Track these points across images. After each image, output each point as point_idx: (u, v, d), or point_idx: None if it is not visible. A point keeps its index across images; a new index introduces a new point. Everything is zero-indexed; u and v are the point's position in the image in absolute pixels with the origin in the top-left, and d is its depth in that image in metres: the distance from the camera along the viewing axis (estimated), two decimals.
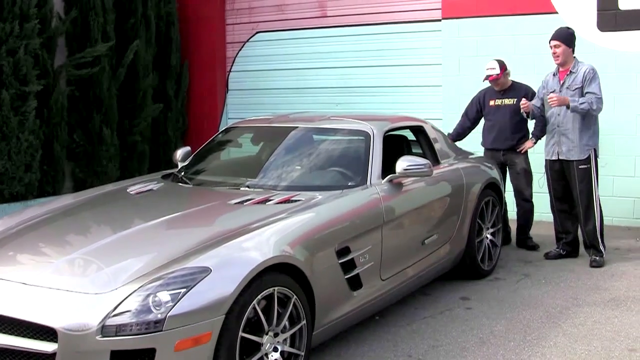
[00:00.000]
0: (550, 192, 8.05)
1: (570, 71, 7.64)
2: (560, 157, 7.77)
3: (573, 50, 7.71)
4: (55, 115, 10.01)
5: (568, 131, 7.65)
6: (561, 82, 7.70)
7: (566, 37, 7.68)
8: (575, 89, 7.56)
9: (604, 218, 7.89)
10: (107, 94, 10.68)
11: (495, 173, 7.83)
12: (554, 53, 7.72)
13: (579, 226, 7.98)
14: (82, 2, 10.48)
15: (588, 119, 7.58)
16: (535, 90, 8.38)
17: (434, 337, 5.74)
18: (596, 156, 7.70)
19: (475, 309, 6.44)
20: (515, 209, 8.67)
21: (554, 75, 7.82)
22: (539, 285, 7.13)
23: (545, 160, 7.97)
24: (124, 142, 11.24)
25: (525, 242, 8.61)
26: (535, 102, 7.96)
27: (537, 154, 8.71)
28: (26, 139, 9.27)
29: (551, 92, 7.67)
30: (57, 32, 10.21)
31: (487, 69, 8.46)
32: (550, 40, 7.74)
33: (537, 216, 9.10)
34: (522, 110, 8.00)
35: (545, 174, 8.07)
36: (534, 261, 8.00)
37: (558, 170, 7.87)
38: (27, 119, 9.27)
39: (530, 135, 8.50)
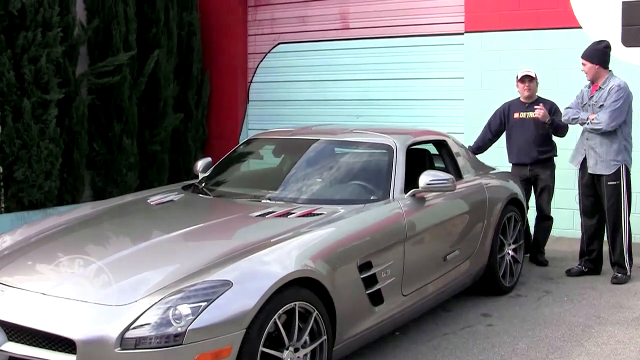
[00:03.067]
0: (580, 207, 8.00)
1: (600, 87, 7.59)
2: (588, 171, 7.71)
3: (604, 66, 7.62)
4: (76, 124, 10.01)
5: (595, 145, 7.59)
6: (590, 97, 7.65)
7: (592, 55, 7.62)
8: (600, 105, 7.51)
9: None
10: (128, 103, 10.68)
11: (517, 188, 7.76)
12: (582, 70, 7.69)
13: (603, 244, 7.91)
14: (104, 11, 10.50)
15: (617, 135, 7.51)
16: (559, 107, 8.37)
17: (455, 354, 5.68)
18: (627, 173, 7.61)
19: (496, 325, 6.38)
20: (534, 223, 8.61)
21: (588, 87, 7.77)
22: (561, 302, 7.06)
23: (578, 172, 7.92)
24: (144, 151, 11.23)
25: (537, 256, 8.53)
26: (575, 104, 7.86)
27: (562, 170, 8.64)
28: (46, 147, 9.27)
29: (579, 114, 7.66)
30: (79, 41, 10.22)
31: (523, 70, 8.44)
32: (580, 57, 7.71)
33: (558, 232, 9.06)
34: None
35: (578, 190, 8.00)
36: (555, 278, 7.92)
37: (588, 185, 7.80)
38: (48, 127, 9.28)
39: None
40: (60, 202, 10.00)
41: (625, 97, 7.46)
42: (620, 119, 7.46)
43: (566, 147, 8.32)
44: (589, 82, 7.76)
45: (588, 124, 7.56)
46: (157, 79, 11.26)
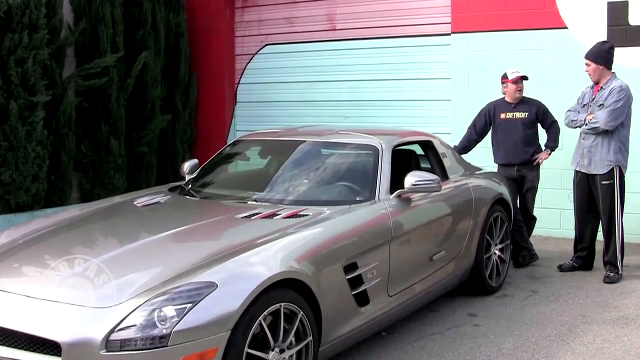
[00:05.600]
0: (574, 206, 8.07)
1: (602, 87, 7.64)
2: (583, 171, 7.78)
3: (608, 67, 7.68)
4: (63, 126, 10.00)
5: (591, 145, 7.67)
6: (592, 97, 7.71)
7: (596, 55, 7.66)
8: (600, 105, 7.57)
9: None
10: (115, 105, 10.67)
11: (503, 189, 7.77)
12: (586, 70, 7.73)
13: (595, 243, 8.00)
14: (91, 13, 10.49)
15: (613, 136, 7.57)
16: (547, 106, 8.40)
17: (441, 354, 5.70)
18: (621, 174, 7.67)
19: (483, 325, 6.39)
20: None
21: (590, 88, 7.83)
22: (547, 302, 7.08)
23: (574, 171, 7.98)
24: (131, 153, 11.23)
25: (517, 259, 8.51)
26: (576, 107, 7.94)
27: (549, 170, 8.68)
28: (33, 150, 9.26)
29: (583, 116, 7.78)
30: (66, 43, 10.21)
31: (514, 71, 8.44)
32: (584, 56, 7.76)
33: (545, 232, 9.09)
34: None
35: (573, 189, 8.06)
36: (542, 277, 7.95)
37: (583, 184, 7.87)
38: (35, 130, 9.26)
39: (544, 147, 8.45)
40: (48, 204, 9.98)
41: (626, 98, 7.51)
42: (619, 119, 7.51)
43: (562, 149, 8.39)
44: (592, 83, 7.78)
45: (586, 124, 7.60)
46: (144, 80, 11.26)
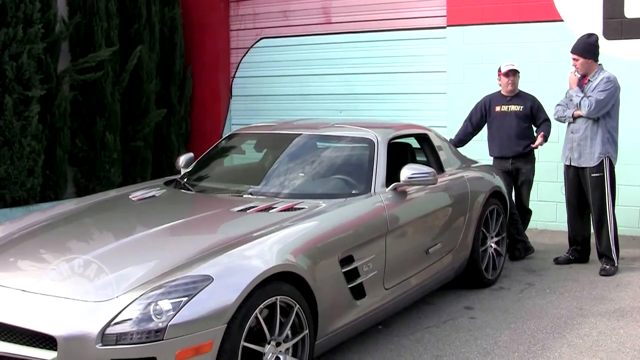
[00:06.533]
0: (565, 200, 8.07)
1: (589, 80, 7.65)
2: (573, 164, 7.78)
3: (596, 60, 7.68)
4: (58, 120, 9.99)
5: (580, 138, 7.68)
6: (581, 90, 7.70)
7: (584, 49, 7.66)
8: (588, 97, 7.55)
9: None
10: (111, 99, 10.65)
11: (499, 181, 7.77)
12: (574, 65, 7.72)
13: (591, 234, 8.00)
14: (86, 7, 10.48)
15: (601, 127, 7.59)
16: (540, 102, 8.39)
17: (438, 347, 5.70)
18: (611, 166, 7.68)
19: (479, 318, 6.40)
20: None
21: (579, 80, 7.82)
22: (544, 294, 7.08)
23: (564, 165, 7.98)
24: (126, 147, 11.21)
25: (513, 252, 8.52)
26: (564, 100, 7.95)
27: (545, 163, 8.67)
28: (28, 144, 9.24)
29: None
30: (61, 37, 10.19)
31: (507, 64, 8.43)
32: (570, 52, 7.74)
33: (541, 225, 9.08)
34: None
35: (564, 183, 8.07)
36: (538, 270, 7.95)
37: (572, 178, 7.89)
38: (30, 124, 9.24)
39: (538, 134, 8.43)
40: (43, 199, 9.97)
41: (612, 90, 7.51)
42: (603, 110, 7.52)
43: (557, 142, 8.39)
44: (580, 76, 7.78)
45: (573, 116, 7.66)
46: (139, 74, 11.24)
